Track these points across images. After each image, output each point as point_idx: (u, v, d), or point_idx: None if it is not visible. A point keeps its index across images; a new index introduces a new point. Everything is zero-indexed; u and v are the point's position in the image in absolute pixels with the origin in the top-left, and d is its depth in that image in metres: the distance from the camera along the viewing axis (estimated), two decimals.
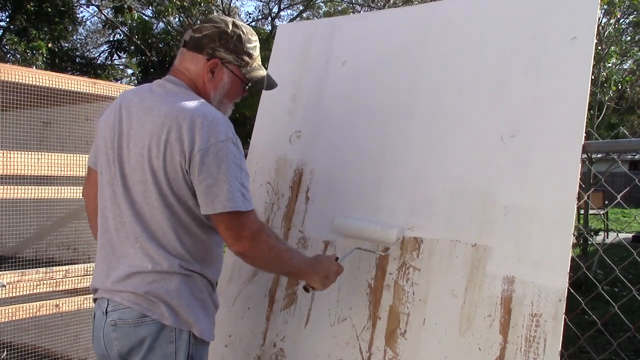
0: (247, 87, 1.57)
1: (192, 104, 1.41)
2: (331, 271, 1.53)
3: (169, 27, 13.36)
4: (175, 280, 1.40)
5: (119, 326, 1.40)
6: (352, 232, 1.69)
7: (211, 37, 1.48)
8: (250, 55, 1.53)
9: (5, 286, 2.32)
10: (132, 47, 13.26)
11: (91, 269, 2.41)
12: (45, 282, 2.35)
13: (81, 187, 2.50)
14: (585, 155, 1.51)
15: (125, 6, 10.59)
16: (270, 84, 1.62)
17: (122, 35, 13.40)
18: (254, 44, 1.55)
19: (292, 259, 1.47)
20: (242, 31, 1.51)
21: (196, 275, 1.44)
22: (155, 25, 13.36)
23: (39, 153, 2.36)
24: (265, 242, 1.41)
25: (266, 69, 1.88)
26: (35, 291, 2.32)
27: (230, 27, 1.50)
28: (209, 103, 1.47)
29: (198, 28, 1.51)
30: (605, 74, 6.68)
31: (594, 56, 1.52)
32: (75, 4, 12.52)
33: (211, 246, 1.48)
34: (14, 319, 2.32)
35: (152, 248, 1.40)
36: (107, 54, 14.16)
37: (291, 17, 15.00)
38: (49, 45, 10.74)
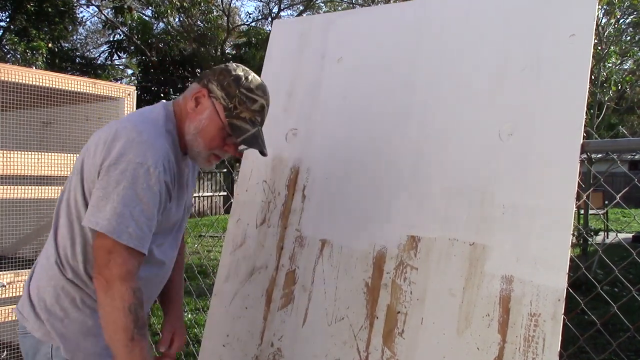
0: (228, 137, 1.43)
1: (138, 119, 1.38)
2: None
3: (169, 27, 13.37)
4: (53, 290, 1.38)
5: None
6: None
7: (214, 70, 1.46)
8: (242, 104, 1.41)
9: (5, 286, 2.32)
10: (132, 47, 13.27)
11: None
12: None
13: None
14: (585, 155, 1.51)
15: (125, 6, 10.60)
16: (255, 144, 1.45)
17: (122, 36, 13.41)
18: (254, 97, 1.43)
19: (122, 341, 1.24)
20: (246, 78, 1.43)
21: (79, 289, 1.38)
22: (155, 25, 13.37)
23: (39, 153, 2.36)
24: (119, 298, 1.23)
25: (262, 66, 1.87)
26: None
27: (238, 70, 1.45)
28: (182, 130, 1.43)
29: (216, 68, 1.49)
30: (605, 74, 6.68)
31: (594, 56, 1.52)
32: (75, 4, 12.53)
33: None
34: (14, 319, 2.32)
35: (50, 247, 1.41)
36: (107, 54, 14.18)
37: (291, 17, 15.00)
38: (49, 45, 10.75)
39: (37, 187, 2.40)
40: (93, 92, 2.55)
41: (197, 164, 1.55)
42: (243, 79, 1.43)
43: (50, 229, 1.43)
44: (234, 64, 1.47)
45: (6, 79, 2.28)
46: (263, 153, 1.49)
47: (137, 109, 2.19)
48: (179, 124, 1.44)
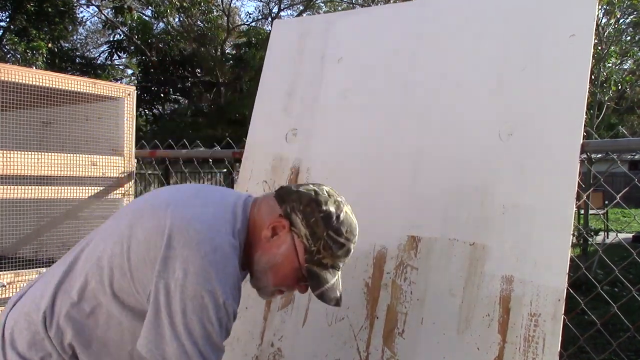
0: (301, 280, 1.24)
1: (212, 220, 1.14)
2: None
3: (169, 27, 13.37)
4: None
5: None
6: None
7: (301, 196, 1.21)
8: (328, 249, 1.20)
9: (5, 286, 2.32)
10: (132, 47, 13.27)
11: None
12: None
13: (81, 187, 2.51)
14: (585, 155, 1.51)
15: (125, 6, 10.61)
16: (332, 298, 1.24)
17: (122, 36, 13.42)
18: (342, 241, 1.21)
19: None
20: (337, 217, 1.20)
21: None
22: (155, 25, 13.37)
23: (39, 153, 2.36)
24: None
25: (262, 66, 1.81)
26: None
27: (330, 204, 1.21)
28: (250, 258, 1.23)
29: (302, 184, 1.29)
30: (605, 74, 6.68)
31: (594, 56, 1.52)
32: (75, 4, 12.54)
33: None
34: None
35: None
36: (107, 54, 14.18)
37: (291, 17, 15.01)
38: (49, 45, 10.75)
39: (37, 187, 2.40)
40: (93, 92, 2.55)
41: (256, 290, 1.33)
42: (334, 218, 1.20)
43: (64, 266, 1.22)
44: (325, 191, 1.23)
45: (6, 79, 2.28)
46: (338, 304, 1.27)
47: (137, 109, 2.18)
48: (248, 238, 1.22)
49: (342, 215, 1.22)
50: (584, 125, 1.46)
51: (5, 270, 2.34)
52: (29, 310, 1.20)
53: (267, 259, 1.22)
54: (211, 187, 1.32)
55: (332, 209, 1.21)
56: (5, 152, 2.25)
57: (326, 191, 1.24)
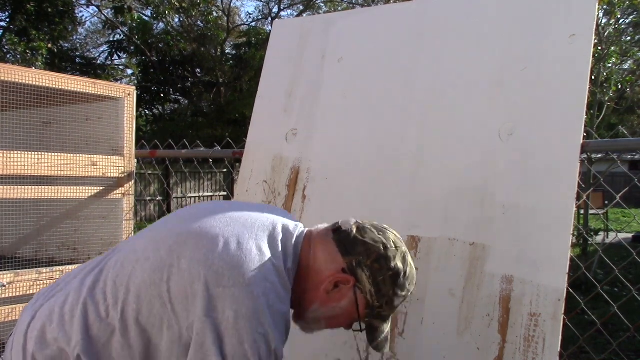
0: (355, 327, 1.20)
1: (260, 260, 1.06)
2: None
3: (169, 28, 13.38)
4: None
5: None
6: None
7: (369, 250, 1.13)
8: (390, 304, 1.16)
9: (5, 286, 2.32)
10: (132, 48, 13.28)
11: None
12: (44, 282, 2.35)
13: (81, 187, 2.51)
14: (585, 155, 1.51)
15: (125, 7, 10.62)
16: (385, 345, 1.22)
17: (122, 36, 13.42)
18: (404, 294, 1.17)
19: None
20: (405, 274, 1.15)
21: None
22: (155, 25, 13.38)
23: (39, 153, 2.36)
24: None
25: (262, 66, 1.82)
26: (32, 291, 2.32)
27: (398, 259, 1.15)
28: (303, 311, 1.18)
29: (365, 229, 1.16)
30: (605, 74, 6.68)
31: (594, 56, 1.52)
32: (75, 4, 12.54)
33: None
34: (14, 318, 2.32)
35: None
36: (107, 54, 14.18)
37: (291, 17, 15.01)
38: (49, 45, 10.75)
39: (37, 187, 2.40)
40: (93, 92, 2.55)
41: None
42: (402, 276, 1.15)
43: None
44: (392, 242, 1.16)
45: (6, 79, 2.28)
46: (387, 347, 1.24)
47: (137, 109, 2.17)
48: (299, 280, 1.15)
49: (408, 271, 1.16)
50: (584, 125, 1.46)
51: (5, 270, 2.34)
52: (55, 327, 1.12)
53: (325, 311, 1.16)
54: (259, 209, 1.20)
55: (400, 265, 1.15)
56: (5, 152, 2.25)
57: (392, 242, 1.16)
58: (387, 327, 1.20)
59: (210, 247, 1.07)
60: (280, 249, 1.11)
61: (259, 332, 1.03)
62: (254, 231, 1.11)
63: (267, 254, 1.09)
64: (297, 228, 1.19)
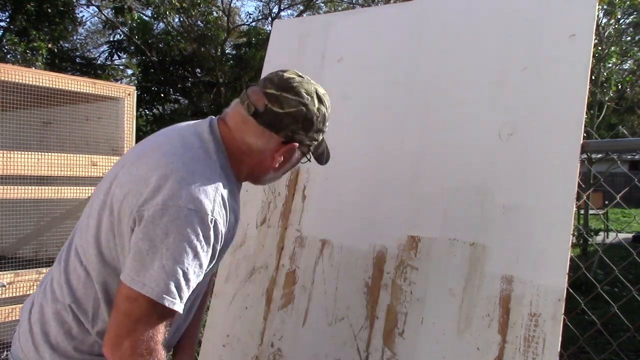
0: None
1: (187, 154, 1.16)
2: None
3: (169, 28, 13.38)
4: None
5: None
6: None
7: (295, 118, 1.22)
8: (324, 132, 1.33)
9: (5, 286, 2.32)
10: (132, 48, 13.28)
11: None
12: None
13: (81, 187, 2.51)
14: (585, 155, 1.51)
15: (126, 6, 10.61)
16: (327, 157, 1.42)
17: (122, 36, 13.42)
18: (329, 114, 1.31)
19: None
20: (326, 105, 1.28)
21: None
22: (155, 25, 13.38)
23: (39, 153, 2.37)
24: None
25: (262, 66, 1.84)
26: (32, 291, 2.33)
27: (317, 104, 1.25)
28: (260, 178, 1.31)
29: (277, 97, 1.21)
30: (605, 74, 6.68)
31: (594, 56, 1.52)
32: (75, 4, 12.54)
33: None
34: (14, 318, 2.32)
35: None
36: (107, 54, 14.17)
37: (291, 17, 15.00)
38: (49, 45, 10.75)
39: (37, 187, 2.40)
40: (93, 92, 2.55)
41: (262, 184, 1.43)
42: (326, 111, 1.28)
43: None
44: (306, 94, 1.24)
45: (6, 79, 2.28)
46: (329, 156, 1.41)
47: (137, 109, 2.18)
48: (238, 164, 1.26)
49: (327, 104, 1.29)
50: (584, 125, 1.46)
51: (5, 270, 2.34)
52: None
53: (279, 172, 1.32)
54: (175, 134, 1.27)
55: (321, 106, 1.26)
56: (5, 152, 2.25)
57: (305, 94, 1.24)
58: (324, 142, 1.36)
59: (145, 163, 1.16)
60: (212, 145, 1.21)
61: (189, 208, 1.08)
62: (191, 159, 1.17)
63: (199, 150, 1.19)
64: (211, 128, 1.26)
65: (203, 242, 1.09)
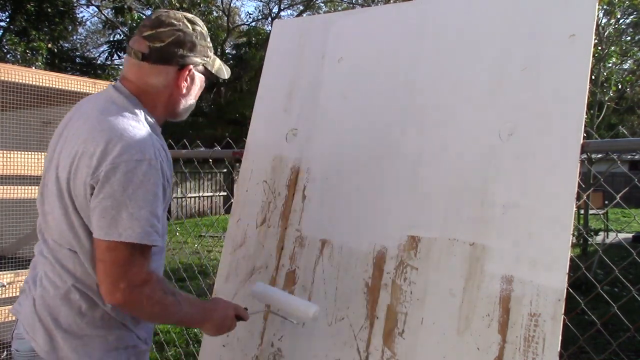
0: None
1: (113, 118, 1.28)
2: (227, 318, 1.44)
3: None
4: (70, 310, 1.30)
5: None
6: (270, 301, 1.66)
7: (177, 44, 1.36)
8: (211, 49, 1.47)
9: (5, 286, 2.32)
10: None
11: None
12: None
13: None
14: (585, 155, 1.51)
15: (126, 6, 10.62)
16: (226, 70, 1.57)
17: (122, 36, 13.42)
18: (208, 37, 1.47)
19: (180, 312, 1.31)
20: (200, 25, 1.43)
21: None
22: None
23: (39, 153, 2.36)
24: (152, 298, 1.24)
25: (262, 66, 1.89)
26: None
27: (189, 25, 1.39)
28: (176, 110, 1.44)
29: (155, 36, 1.35)
30: (605, 74, 6.68)
31: (594, 56, 1.52)
32: (75, 4, 12.54)
33: None
34: (14, 318, 2.32)
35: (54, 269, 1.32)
36: (107, 54, 14.19)
37: (291, 17, 15.00)
38: (49, 45, 10.75)
39: (37, 187, 2.40)
40: (93, 92, 2.55)
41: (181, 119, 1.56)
42: (201, 29, 1.42)
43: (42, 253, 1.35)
44: (176, 19, 1.38)
45: (6, 79, 2.28)
46: (228, 71, 1.57)
47: None
48: (165, 106, 1.42)
49: (198, 21, 1.43)
50: (584, 125, 1.46)
51: (5, 270, 2.34)
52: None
53: (192, 95, 1.45)
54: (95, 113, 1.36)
55: (197, 27, 1.41)
56: (5, 152, 2.25)
57: (174, 20, 1.37)
58: (217, 59, 1.50)
59: (83, 138, 1.28)
60: (126, 102, 1.34)
61: (136, 159, 1.21)
62: (120, 121, 1.29)
63: (121, 110, 1.32)
64: (118, 91, 1.37)
65: (157, 183, 1.23)
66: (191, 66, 1.40)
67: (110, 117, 1.28)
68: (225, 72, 1.54)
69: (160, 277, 1.32)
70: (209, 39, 1.46)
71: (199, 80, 1.45)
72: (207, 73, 1.47)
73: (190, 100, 1.46)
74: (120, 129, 1.25)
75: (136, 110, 1.34)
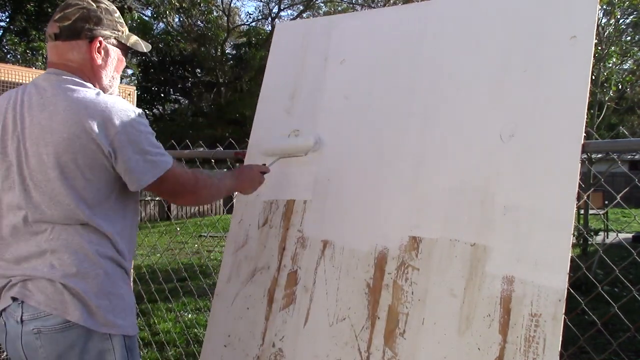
0: (127, 54, 1.62)
1: (88, 93, 1.41)
2: (254, 174, 1.77)
3: (169, 28, 13.39)
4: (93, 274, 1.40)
5: (44, 334, 1.36)
6: (277, 151, 1.91)
7: (83, 19, 1.47)
8: (121, 24, 1.56)
9: None
10: None
11: None
12: None
13: None
14: (585, 155, 1.52)
15: (126, 6, 10.62)
16: (144, 45, 1.65)
17: None
18: (117, 13, 1.57)
19: (225, 185, 1.66)
20: (104, 2, 1.52)
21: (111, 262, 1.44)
22: (155, 25, 13.38)
23: None
24: (204, 187, 1.56)
25: (262, 66, 1.88)
26: None
27: (94, 4, 1.50)
28: (101, 84, 1.52)
29: (63, 16, 1.48)
30: (605, 74, 6.69)
31: (594, 56, 1.53)
32: None
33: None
34: None
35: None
36: None
37: (291, 17, 15.01)
38: None
39: None
40: None
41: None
42: (107, 7, 1.51)
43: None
44: (84, 0, 1.49)
45: (6, 79, 2.28)
46: (148, 45, 1.67)
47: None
48: (91, 80, 1.50)
49: (104, 1, 1.52)
50: (584, 125, 1.47)
51: None
52: None
53: (110, 67, 1.53)
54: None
55: (102, 5, 1.50)
56: None
57: (79, 0, 1.48)
58: (134, 35, 1.61)
59: (67, 121, 1.38)
60: (75, 77, 1.46)
61: (129, 116, 1.41)
62: (89, 96, 1.42)
63: (78, 85, 1.44)
64: (57, 76, 1.46)
65: (147, 123, 1.47)
66: (100, 38, 1.49)
67: (81, 97, 1.40)
68: (143, 46, 1.63)
69: (198, 170, 1.61)
70: (117, 15, 1.55)
71: (115, 52, 1.54)
72: (122, 46, 1.56)
73: (110, 72, 1.54)
74: (100, 101, 1.40)
75: (88, 85, 1.47)
